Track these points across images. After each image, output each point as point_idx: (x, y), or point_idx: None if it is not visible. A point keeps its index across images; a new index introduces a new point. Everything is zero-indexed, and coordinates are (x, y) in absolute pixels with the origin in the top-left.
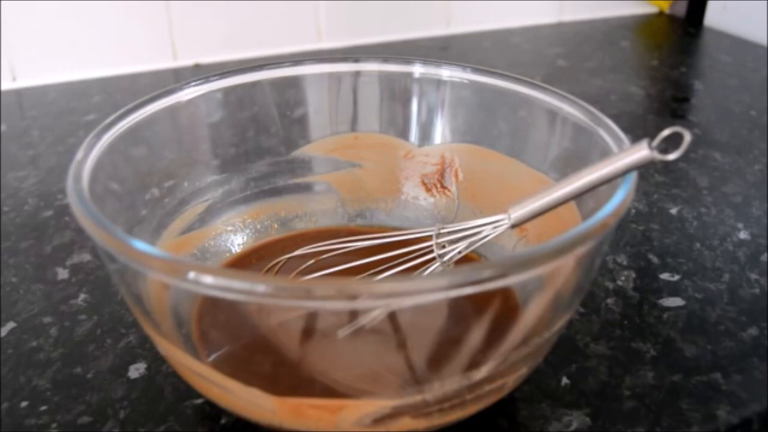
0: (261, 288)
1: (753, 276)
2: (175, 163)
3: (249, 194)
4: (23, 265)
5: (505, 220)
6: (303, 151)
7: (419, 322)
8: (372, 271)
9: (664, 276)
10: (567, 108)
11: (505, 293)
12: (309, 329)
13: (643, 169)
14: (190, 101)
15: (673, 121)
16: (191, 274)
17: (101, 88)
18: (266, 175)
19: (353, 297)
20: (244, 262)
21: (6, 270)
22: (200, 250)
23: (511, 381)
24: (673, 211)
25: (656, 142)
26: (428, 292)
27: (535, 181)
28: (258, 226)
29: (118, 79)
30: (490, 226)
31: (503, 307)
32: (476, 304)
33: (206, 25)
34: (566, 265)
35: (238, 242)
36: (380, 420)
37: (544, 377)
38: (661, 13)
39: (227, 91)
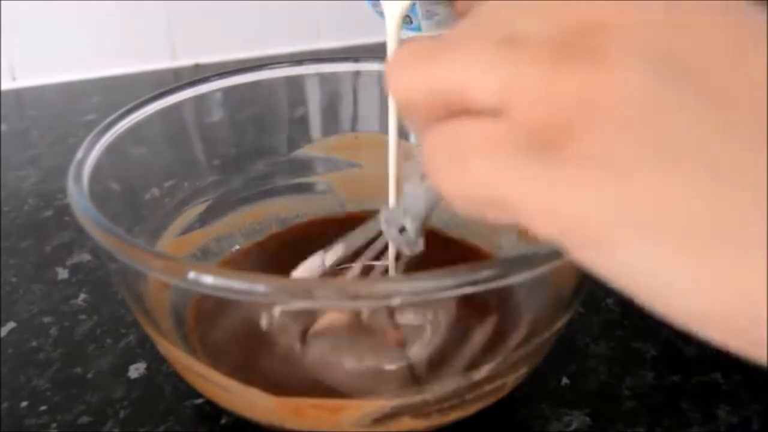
0: (261, 288)
1: None
2: (175, 163)
3: (249, 194)
4: (23, 265)
5: None
6: (303, 151)
7: (419, 321)
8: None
9: None
10: None
11: (506, 293)
12: (309, 329)
13: None
14: (190, 101)
15: None
16: (191, 274)
17: (101, 88)
18: (266, 175)
19: (353, 297)
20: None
21: (6, 270)
22: (200, 250)
23: (511, 381)
24: None
25: None
26: (428, 292)
27: None
28: (258, 227)
29: (118, 79)
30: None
31: (503, 307)
32: (476, 303)
33: (206, 25)
34: (566, 265)
35: (238, 242)
36: (380, 420)
37: (544, 377)
38: None
39: (227, 91)
